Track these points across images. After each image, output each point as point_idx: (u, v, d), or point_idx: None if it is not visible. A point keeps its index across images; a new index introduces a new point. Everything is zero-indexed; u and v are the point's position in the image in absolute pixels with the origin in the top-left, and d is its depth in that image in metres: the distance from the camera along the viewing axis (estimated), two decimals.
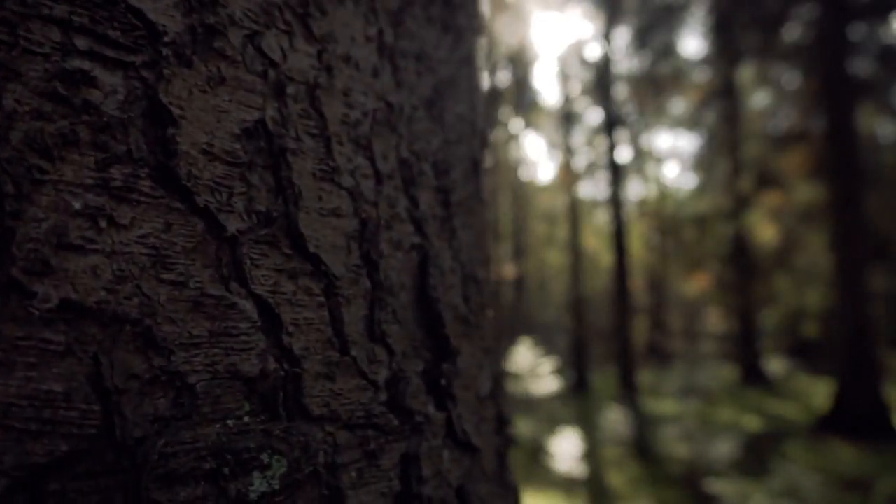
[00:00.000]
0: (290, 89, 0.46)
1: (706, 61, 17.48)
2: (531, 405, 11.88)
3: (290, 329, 0.43)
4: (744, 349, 18.35)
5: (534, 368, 11.55)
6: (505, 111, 24.56)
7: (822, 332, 18.43)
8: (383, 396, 0.50)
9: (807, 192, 16.31)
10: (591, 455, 9.95)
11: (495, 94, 23.93)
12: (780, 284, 19.51)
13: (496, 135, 24.58)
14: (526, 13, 19.95)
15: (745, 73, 18.41)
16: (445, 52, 0.74)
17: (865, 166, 17.11)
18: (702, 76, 17.94)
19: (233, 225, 0.40)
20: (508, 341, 20.98)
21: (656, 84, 16.75)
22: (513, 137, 28.66)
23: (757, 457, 9.20)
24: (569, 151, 17.78)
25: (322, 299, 0.46)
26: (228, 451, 0.37)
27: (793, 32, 14.28)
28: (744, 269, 18.16)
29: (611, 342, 19.03)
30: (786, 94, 17.23)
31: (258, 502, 0.38)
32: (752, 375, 18.03)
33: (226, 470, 0.37)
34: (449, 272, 0.67)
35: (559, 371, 16.02)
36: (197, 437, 0.36)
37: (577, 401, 15.60)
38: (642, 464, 9.56)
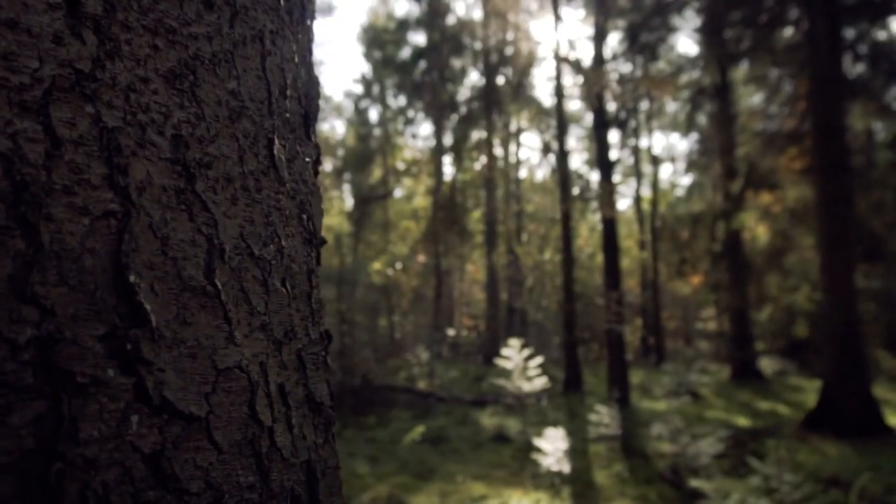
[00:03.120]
0: None
1: (698, 61, 17.47)
2: (522, 404, 11.89)
3: None
4: (736, 348, 18.34)
5: (524, 367, 11.55)
6: (500, 111, 24.57)
7: (814, 331, 18.40)
8: (25, 356, 0.50)
9: (799, 191, 16.28)
10: (579, 452, 9.96)
11: (490, 94, 23.94)
12: (773, 284, 19.49)
13: (492, 135, 24.59)
14: (520, 13, 19.95)
15: (738, 72, 18.39)
16: (206, 29, 0.74)
17: (859, 165, 17.09)
18: (694, 76, 17.94)
19: None
20: (503, 341, 20.94)
21: (648, 84, 16.77)
22: (508, 137, 28.68)
23: (742, 454, 9.22)
24: (563, 151, 17.78)
25: None
26: None
27: (785, 32, 14.25)
28: (737, 268, 18.15)
29: (605, 341, 19.00)
30: (779, 94, 17.19)
31: None
32: (745, 374, 18.02)
33: None
34: (186, 243, 0.68)
35: (552, 370, 16.00)
36: None
37: (568, 399, 15.61)
38: (629, 461, 9.58)
